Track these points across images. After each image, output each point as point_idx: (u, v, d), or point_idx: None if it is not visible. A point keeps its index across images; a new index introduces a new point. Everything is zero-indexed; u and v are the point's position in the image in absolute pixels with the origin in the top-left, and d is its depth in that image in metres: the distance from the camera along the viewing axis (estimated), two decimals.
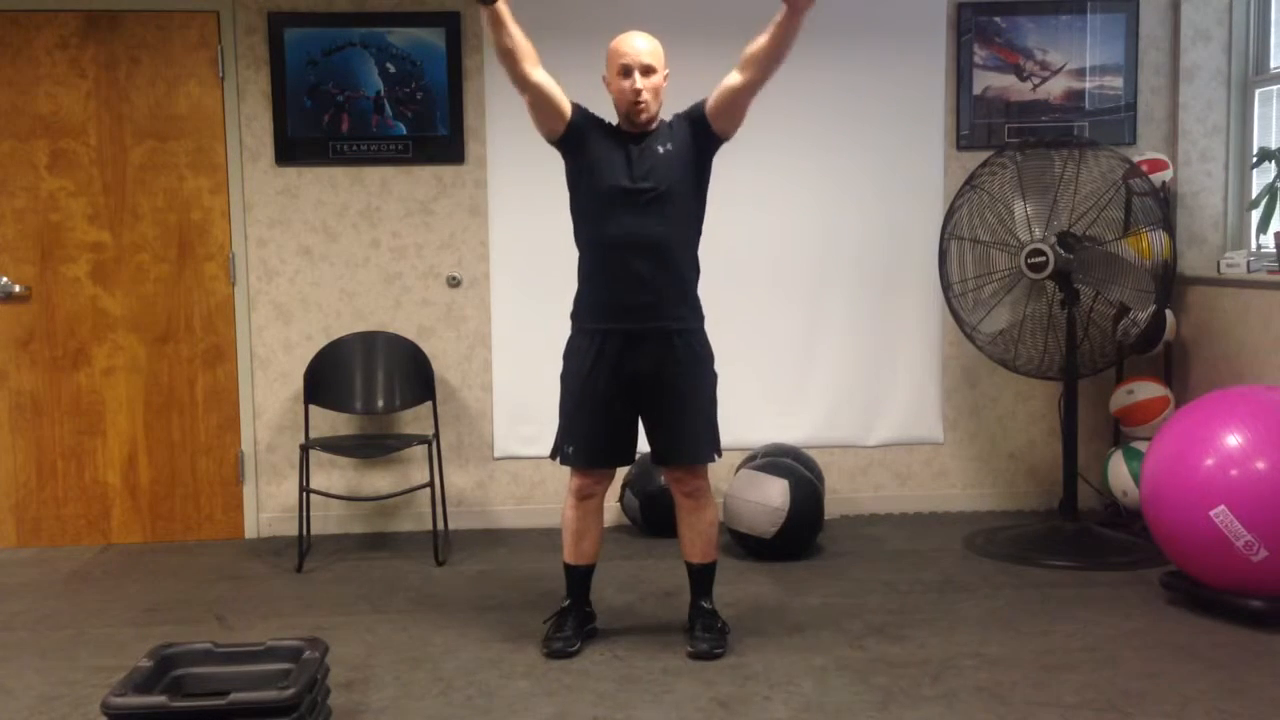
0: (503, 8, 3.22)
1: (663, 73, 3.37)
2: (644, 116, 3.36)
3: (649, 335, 3.39)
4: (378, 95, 4.80)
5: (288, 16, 4.76)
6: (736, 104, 3.38)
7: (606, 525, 3.68)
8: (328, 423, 4.85)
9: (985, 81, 5.01)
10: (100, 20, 4.72)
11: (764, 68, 3.32)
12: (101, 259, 4.79)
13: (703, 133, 3.42)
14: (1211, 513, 3.51)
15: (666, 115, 3.48)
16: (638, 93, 3.31)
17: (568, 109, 3.39)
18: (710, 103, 3.40)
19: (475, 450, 5.00)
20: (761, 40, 3.31)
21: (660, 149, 3.38)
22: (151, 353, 4.84)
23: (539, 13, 4.78)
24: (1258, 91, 4.90)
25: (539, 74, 3.33)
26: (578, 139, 3.40)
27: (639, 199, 3.34)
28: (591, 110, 3.46)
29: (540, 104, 3.37)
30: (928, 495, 5.16)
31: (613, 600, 3.95)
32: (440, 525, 4.61)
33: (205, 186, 4.81)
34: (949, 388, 5.14)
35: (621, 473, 4.63)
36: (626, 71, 3.32)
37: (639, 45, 3.34)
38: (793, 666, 3.35)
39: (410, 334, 4.90)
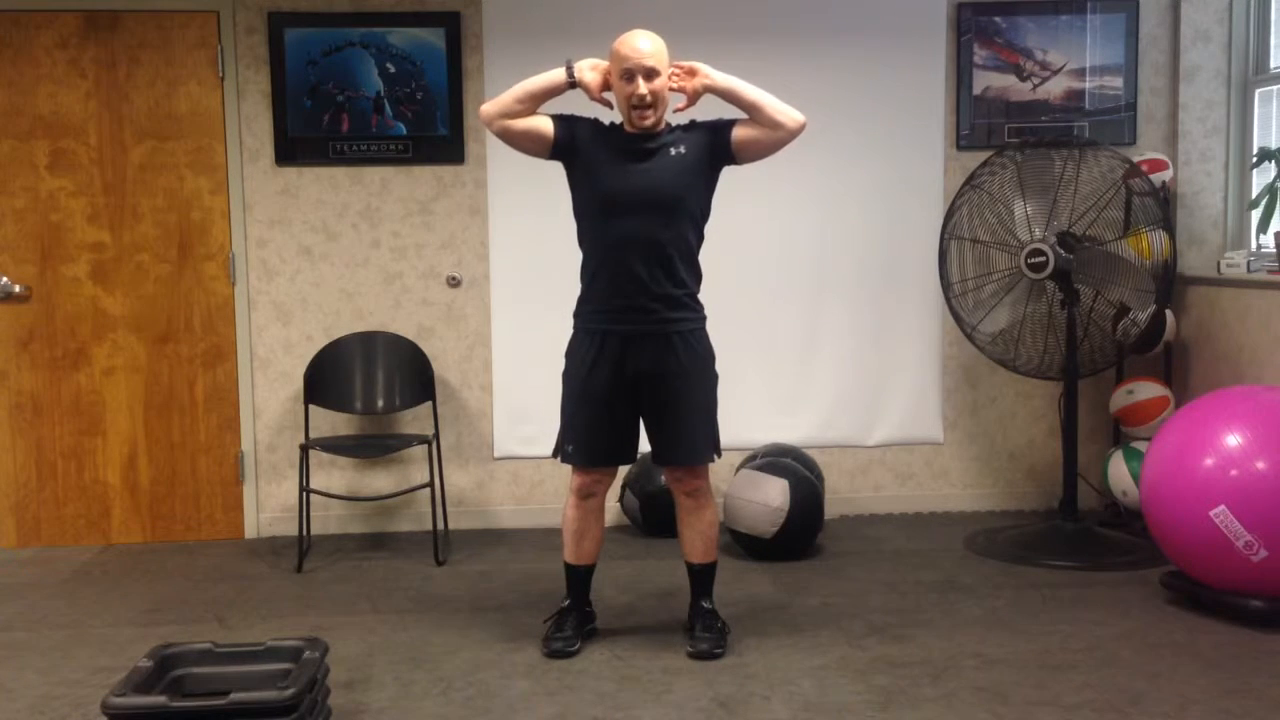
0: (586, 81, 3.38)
1: (667, 73, 3.35)
2: (648, 121, 3.34)
3: (649, 335, 3.39)
4: (378, 95, 4.80)
5: (288, 16, 4.76)
6: (757, 153, 3.45)
7: (606, 525, 3.67)
8: (328, 423, 4.85)
9: (985, 81, 5.01)
10: (100, 20, 4.72)
11: (765, 132, 3.39)
12: (101, 259, 4.79)
13: (722, 151, 3.42)
14: (1211, 513, 3.51)
15: (690, 114, 3.47)
16: (641, 98, 3.29)
17: (549, 131, 3.39)
18: (736, 133, 3.40)
19: (475, 450, 5.00)
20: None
21: (672, 151, 3.37)
22: (151, 353, 4.84)
23: (548, 13, 4.81)
24: (1258, 91, 4.90)
25: (517, 122, 3.37)
26: (570, 151, 3.41)
27: (643, 202, 3.34)
28: (581, 115, 3.46)
29: (519, 143, 3.42)
30: (928, 495, 5.16)
31: (613, 600, 3.96)
32: (440, 525, 4.61)
33: (205, 186, 4.81)
34: (949, 388, 5.14)
35: (622, 472, 4.62)
36: (629, 76, 3.29)
37: (642, 47, 3.29)
38: (793, 666, 3.35)
39: (410, 334, 4.90)
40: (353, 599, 4.08)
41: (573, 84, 3.38)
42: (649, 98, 3.29)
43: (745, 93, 3.37)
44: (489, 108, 3.40)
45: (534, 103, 3.36)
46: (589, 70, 3.39)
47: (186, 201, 4.81)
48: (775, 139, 3.41)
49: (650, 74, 3.28)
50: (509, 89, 3.39)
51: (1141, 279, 4.26)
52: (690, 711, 3.06)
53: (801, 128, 3.40)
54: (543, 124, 3.39)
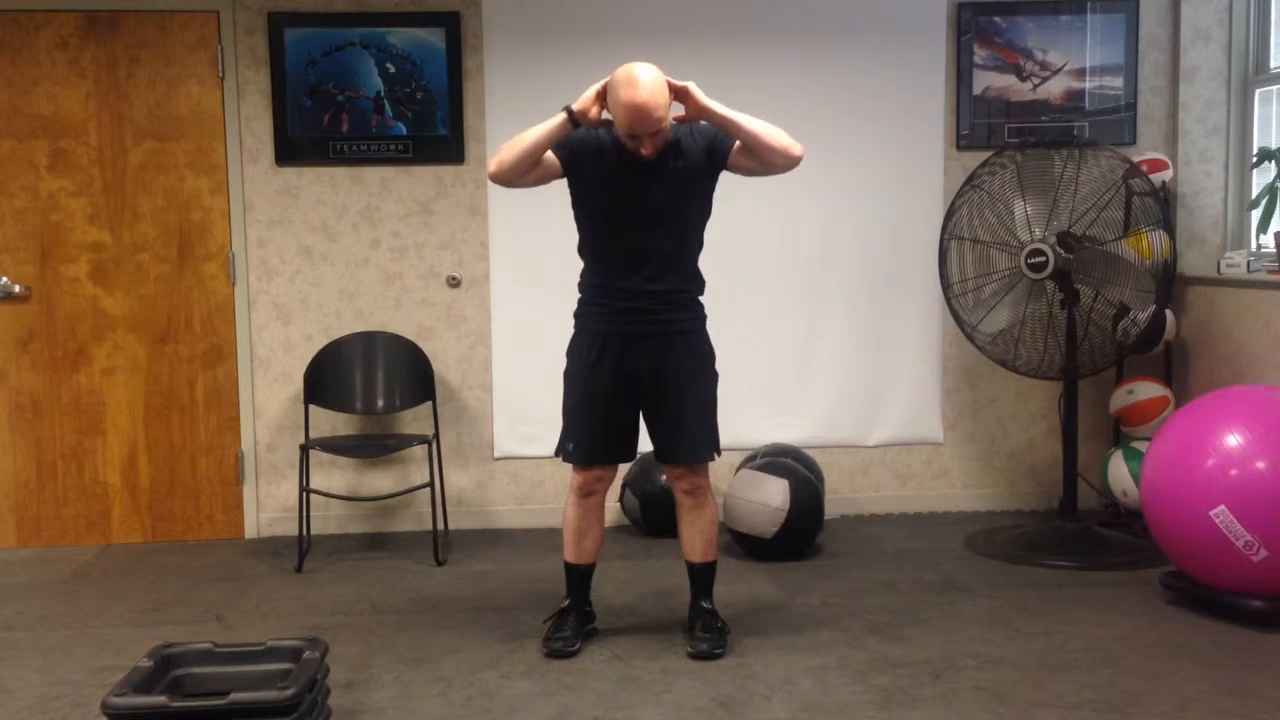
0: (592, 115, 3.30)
1: (669, 114, 3.27)
2: (650, 160, 3.33)
3: (650, 335, 3.41)
4: (378, 95, 4.80)
5: (288, 16, 4.76)
6: (751, 174, 3.42)
7: (606, 525, 3.67)
8: (328, 423, 4.85)
9: (985, 81, 5.01)
10: (100, 20, 4.72)
11: (756, 160, 3.34)
12: (101, 259, 4.79)
13: (718, 165, 3.41)
14: (1211, 513, 3.51)
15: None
16: (645, 156, 3.29)
17: (558, 167, 3.37)
18: (733, 158, 3.37)
19: (475, 450, 5.00)
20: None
21: (670, 164, 3.35)
22: (151, 353, 4.84)
23: (548, 13, 4.81)
24: (1258, 91, 4.90)
25: (530, 174, 3.34)
26: (573, 170, 3.40)
27: (643, 214, 3.35)
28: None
29: (530, 186, 3.40)
30: (928, 495, 5.16)
31: (613, 600, 3.95)
32: (440, 525, 4.61)
33: (205, 187, 4.81)
34: (949, 388, 5.14)
35: (622, 472, 4.62)
36: (633, 138, 3.25)
37: (645, 108, 3.17)
38: (793, 666, 3.35)
39: (410, 334, 4.90)
40: (353, 599, 4.08)
41: (577, 125, 3.30)
42: (652, 150, 3.27)
43: (741, 125, 3.29)
44: (499, 170, 3.30)
45: (542, 154, 3.30)
46: (592, 110, 3.30)
47: (186, 201, 4.81)
48: (769, 171, 3.38)
49: (655, 135, 3.24)
50: (510, 143, 3.30)
51: (1141, 279, 4.26)
52: (690, 711, 3.06)
53: (796, 161, 3.34)
54: (551, 166, 3.36)
